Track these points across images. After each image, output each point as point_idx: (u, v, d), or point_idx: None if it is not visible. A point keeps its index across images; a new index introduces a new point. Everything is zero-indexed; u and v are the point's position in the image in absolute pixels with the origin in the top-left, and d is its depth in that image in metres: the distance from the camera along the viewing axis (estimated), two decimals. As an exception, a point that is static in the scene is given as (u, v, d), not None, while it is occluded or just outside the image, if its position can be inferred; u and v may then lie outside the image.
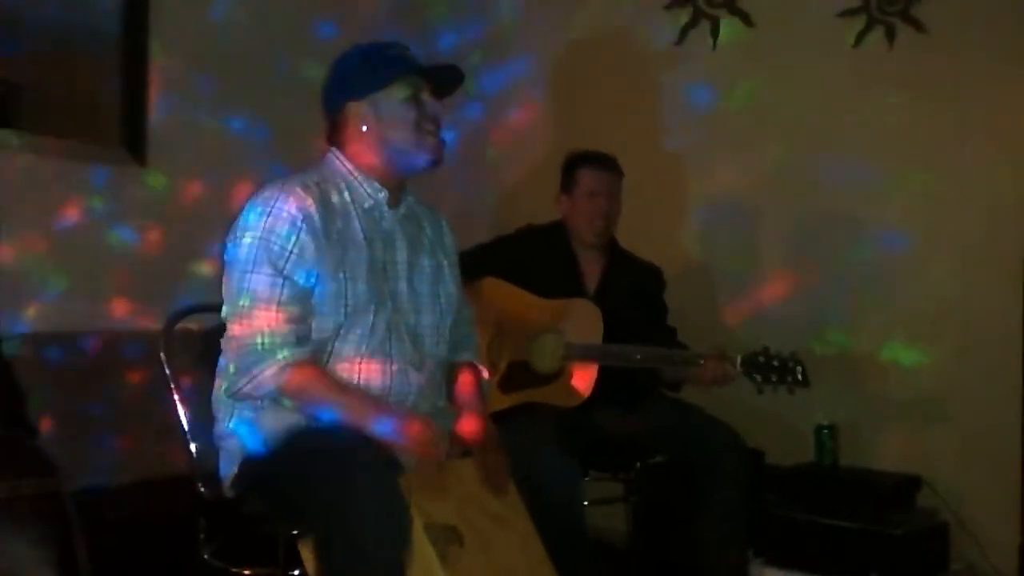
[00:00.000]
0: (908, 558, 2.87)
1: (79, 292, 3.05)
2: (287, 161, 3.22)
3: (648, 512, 3.12)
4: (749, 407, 2.96)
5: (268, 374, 1.94)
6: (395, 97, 2.09)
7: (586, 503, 2.45)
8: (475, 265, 2.78)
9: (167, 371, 2.28)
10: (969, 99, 3.14)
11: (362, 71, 2.11)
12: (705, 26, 3.60)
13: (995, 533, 3.02)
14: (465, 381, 2.25)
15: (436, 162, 2.13)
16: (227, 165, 3.42)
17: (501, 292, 2.90)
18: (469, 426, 2.13)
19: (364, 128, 2.10)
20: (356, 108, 2.10)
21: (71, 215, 3.06)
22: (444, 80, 2.16)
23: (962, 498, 3.07)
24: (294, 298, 1.97)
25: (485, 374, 2.34)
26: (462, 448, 2.09)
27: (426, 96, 2.12)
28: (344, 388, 2.01)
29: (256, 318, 1.95)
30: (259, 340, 1.94)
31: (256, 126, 3.50)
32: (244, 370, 1.95)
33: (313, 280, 1.99)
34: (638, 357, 2.79)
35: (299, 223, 1.97)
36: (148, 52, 3.20)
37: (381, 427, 1.94)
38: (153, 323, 2.37)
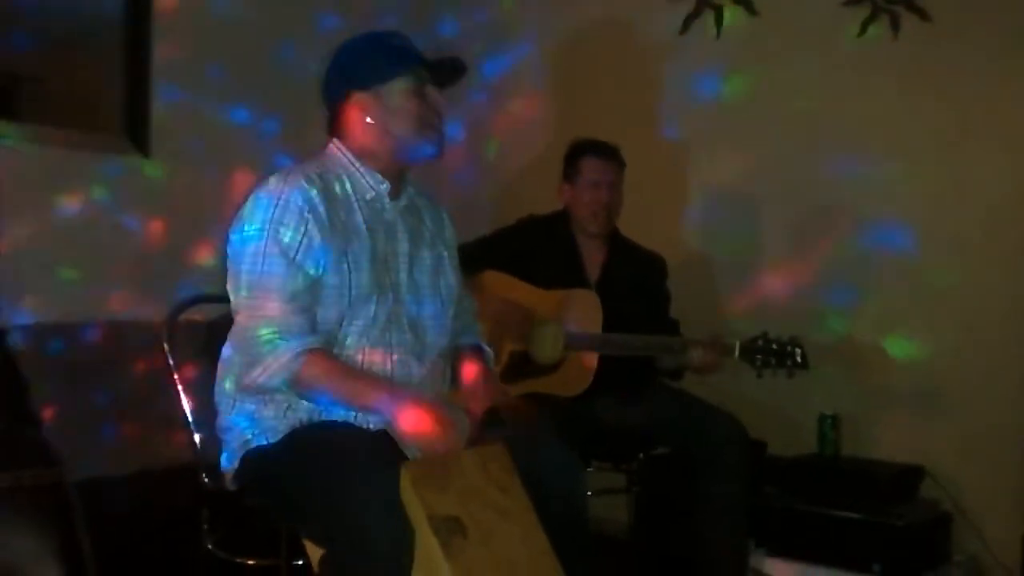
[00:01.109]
0: (910, 549, 2.87)
1: (81, 282, 3.05)
2: (289, 151, 3.23)
3: (650, 503, 3.12)
4: (751, 398, 2.97)
5: (280, 363, 1.93)
6: (399, 88, 2.08)
7: (589, 493, 2.45)
8: (476, 258, 2.78)
9: (170, 362, 2.28)
10: (973, 88, 3.13)
11: (367, 61, 2.10)
12: (708, 15, 3.59)
13: (997, 524, 3.02)
14: (469, 363, 2.26)
15: (438, 154, 2.13)
16: (229, 155, 3.41)
17: (502, 284, 2.89)
18: (477, 403, 2.15)
19: (368, 119, 2.09)
20: (360, 98, 2.09)
21: (73, 205, 3.06)
22: (446, 72, 2.16)
23: (965, 489, 3.07)
24: (304, 288, 1.97)
25: (489, 353, 2.35)
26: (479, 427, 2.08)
27: (429, 88, 2.11)
28: (356, 375, 2.01)
29: (266, 309, 1.95)
30: (270, 330, 1.94)
31: (258, 116, 3.50)
32: (255, 361, 1.95)
33: (321, 270, 1.99)
34: (637, 344, 2.79)
35: (306, 214, 1.97)
36: (150, 42, 3.20)
37: (393, 416, 1.94)
38: (155, 313, 2.37)
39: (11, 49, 2.93)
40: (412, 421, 1.93)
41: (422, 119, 2.09)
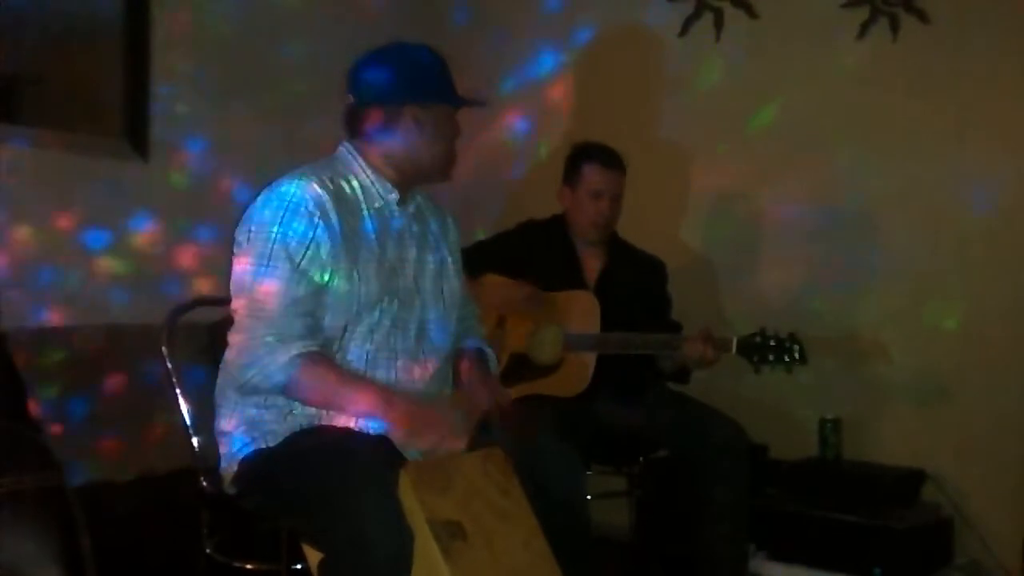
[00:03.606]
0: (911, 553, 2.87)
1: (81, 286, 3.04)
2: (290, 154, 3.20)
3: (650, 507, 3.12)
4: (753, 401, 2.96)
5: (277, 365, 1.93)
6: (449, 111, 2.13)
7: (589, 497, 2.45)
8: (476, 261, 2.78)
9: (168, 365, 2.28)
10: (973, 90, 3.13)
11: (434, 78, 2.11)
12: (709, 18, 3.59)
13: (999, 527, 3.02)
14: (469, 364, 2.27)
15: (450, 178, 2.21)
16: (230, 158, 3.41)
17: (501, 287, 2.90)
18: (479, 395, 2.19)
19: (418, 134, 2.09)
20: (415, 111, 2.08)
21: (73, 208, 3.05)
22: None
23: (966, 492, 3.07)
24: (308, 294, 1.97)
25: (492, 355, 2.35)
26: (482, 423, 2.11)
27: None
28: (351, 380, 2.00)
29: (266, 311, 1.95)
30: (270, 333, 1.93)
31: (259, 119, 3.49)
32: (253, 362, 1.94)
33: (327, 277, 1.98)
34: (635, 343, 2.79)
35: (316, 220, 1.97)
36: (150, 44, 3.19)
37: (388, 421, 1.94)
38: (155, 317, 2.36)
39: (11, 51, 2.93)
40: (408, 424, 1.93)
41: (452, 143, 2.13)
